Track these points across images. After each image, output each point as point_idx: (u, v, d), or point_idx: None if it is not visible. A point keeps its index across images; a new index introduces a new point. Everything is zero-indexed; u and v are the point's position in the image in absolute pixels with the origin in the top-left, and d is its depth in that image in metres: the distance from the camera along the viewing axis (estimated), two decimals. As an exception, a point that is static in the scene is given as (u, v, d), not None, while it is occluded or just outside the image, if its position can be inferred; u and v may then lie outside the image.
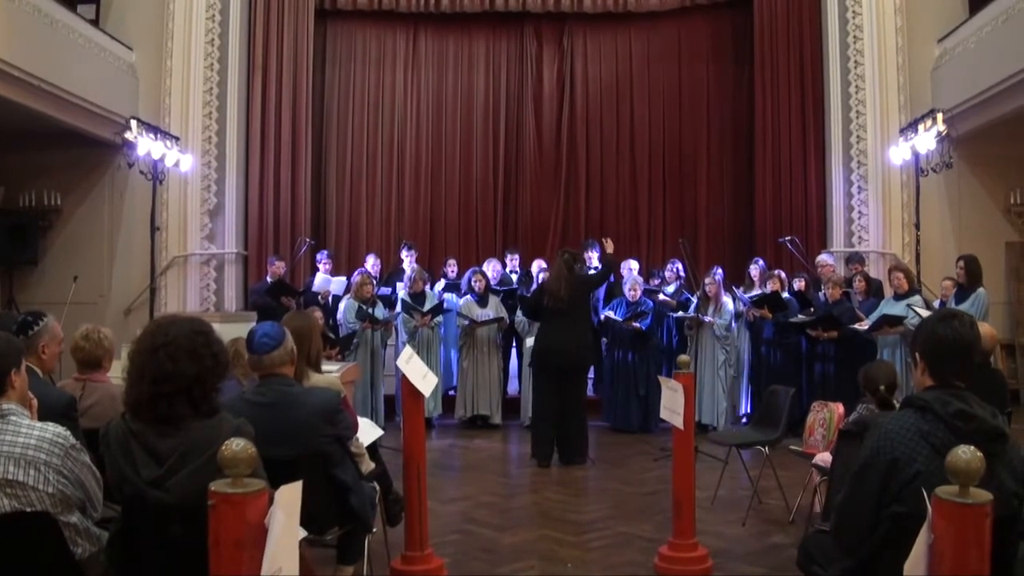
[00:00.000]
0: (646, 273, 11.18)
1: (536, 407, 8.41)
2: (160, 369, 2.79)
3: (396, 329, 10.14)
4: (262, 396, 3.72)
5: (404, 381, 4.81)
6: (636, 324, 9.58)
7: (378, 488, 4.51)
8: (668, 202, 12.85)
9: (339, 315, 9.94)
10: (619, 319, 9.65)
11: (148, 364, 2.82)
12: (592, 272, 9.66)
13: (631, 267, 10.63)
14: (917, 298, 8.73)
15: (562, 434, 8.07)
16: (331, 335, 8.98)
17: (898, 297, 8.82)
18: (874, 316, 8.81)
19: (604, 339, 10.25)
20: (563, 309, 8.03)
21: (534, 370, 8.57)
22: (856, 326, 8.85)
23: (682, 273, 10.45)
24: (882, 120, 11.52)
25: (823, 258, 10.52)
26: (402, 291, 10.14)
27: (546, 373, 8.19)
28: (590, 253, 10.83)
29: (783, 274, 9.92)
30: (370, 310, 9.42)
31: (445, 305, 10.06)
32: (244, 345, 4.50)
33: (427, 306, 9.81)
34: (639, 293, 9.77)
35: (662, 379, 5.43)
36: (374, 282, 10.00)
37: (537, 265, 10.60)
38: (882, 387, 4.92)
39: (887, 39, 11.56)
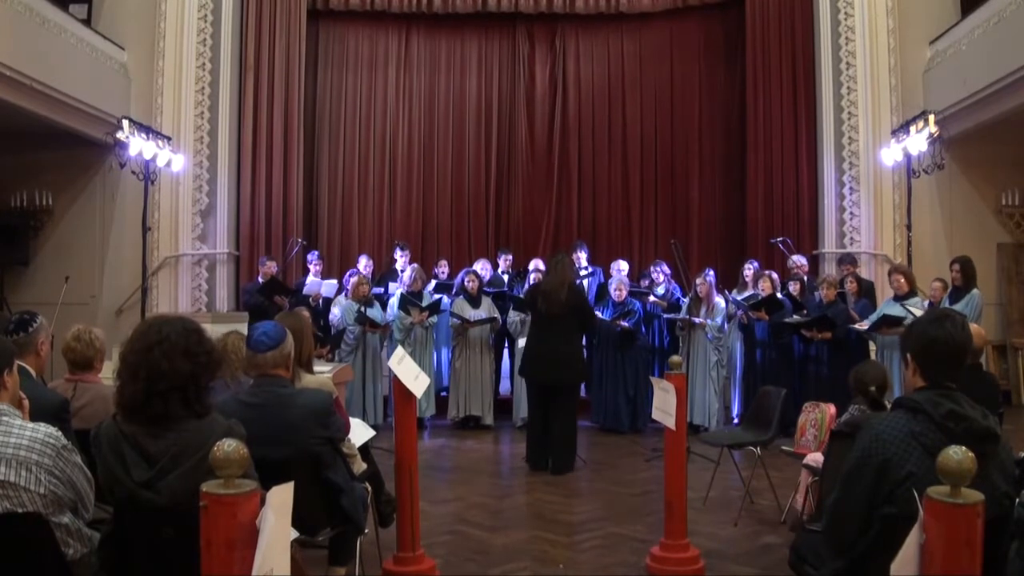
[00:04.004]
0: (636, 274, 11.18)
1: (529, 414, 8.27)
2: (155, 367, 2.78)
3: (391, 330, 10.14)
4: (254, 397, 3.72)
5: (396, 382, 4.81)
6: (623, 323, 9.59)
7: (370, 489, 4.51)
8: (660, 203, 12.86)
9: (331, 317, 9.93)
10: (606, 319, 9.66)
11: (142, 363, 2.80)
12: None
13: (620, 268, 10.63)
14: (916, 299, 8.74)
15: (551, 446, 7.87)
16: (319, 333, 8.96)
17: (897, 299, 8.82)
18: (873, 316, 8.84)
19: (593, 340, 10.25)
20: (559, 316, 7.83)
21: (524, 378, 8.42)
22: (855, 326, 8.86)
23: (666, 271, 10.47)
24: (874, 121, 11.55)
25: (796, 259, 10.52)
26: (400, 289, 10.14)
27: (535, 384, 8.07)
28: (579, 253, 10.83)
29: (774, 275, 9.92)
30: (364, 309, 9.41)
31: (440, 306, 10.03)
32: (235, 343, 4.49)
33: (424, 304, 9.83)
34: (624, 293, 9.77)
35: (654, 380, 5.42)
36: (369, 282, 10.01)
37: (533, 264, 10.52)
38: (872, 388, 4.94)
39: (879, 41, 11.59)
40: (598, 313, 9.71)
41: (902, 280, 8.91)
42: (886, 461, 2.75)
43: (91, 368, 4.33)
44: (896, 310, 8.59)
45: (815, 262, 11.47)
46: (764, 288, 9.59)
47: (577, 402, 8.50)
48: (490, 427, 9.96)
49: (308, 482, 3.66)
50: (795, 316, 9.25)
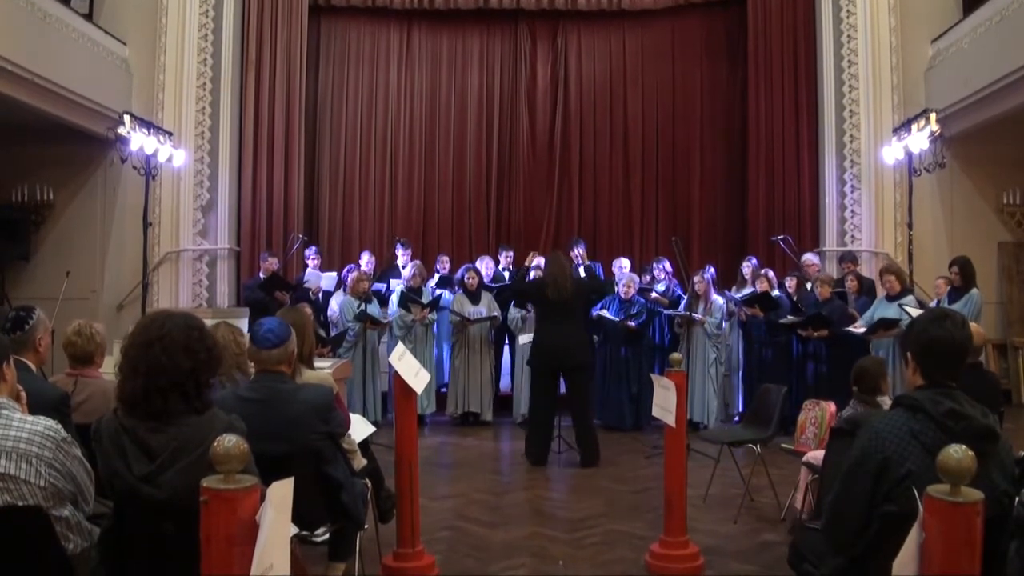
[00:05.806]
0: (638, 271, 11.18)
1: (533, 407, 8.24)
2: (155, 363, 2.77)
3: (391, 326, 10.13)
4: (255, 392, 3.73)
5: (396, 378, 4.80)
6: (630, 323, 9.58)
7: (369, 485, 4.51)
8: (661, 200, 12.85)
9: (330, 312, 9.93)
10: (613, 317, 9.65)
11: (143, 358, 2.80)
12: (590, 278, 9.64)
13: (622, 265, 10.62)
14: (909, 298, 8.71)
15: (579, 438, 7.94)
16: (321, 332, 8.95)
17: (891, 298, 8.81)
18: (866, 317, 8.82)
19: (596, 337, 10.24)
20: (567, 303, 7.89)
21: (533, 369, 8.31)
22: (851, 329, 8.84)
23: (668, 269, 10.46)
24: (875, 119, 11.54)
25: (808, 257, 10.54)
26: (400, 284, 10.14)
27: (547, 372, 8.01)
28: (577, 250, 10.83)
29: (771, 273, 9.91)
30: (363, 306, 9.40)
31: (440, 303, 10.03)
32: (225, 335, 4.42)
33: (424, 301, 9.82)
34: (633, 291, 9.76)
35: (654, 377, 5.43)
36: (369, 278, 10.00)
37: (536, 261, 10.48)
38: (855, 387, 5.00)
39: (881, 39, 11.58)
40: (604, 311, 9.73)
41: (894, 280, 8.88)
42: (886, 459, 2.75)
43: (92, 363, 4.33)
44: (890, 310, 8.58)
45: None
46: (762, 287, 9.59)
47: (591, 390, 8.53)
48: (490, 423, 9.97)
49: (308, 478, 3.66)
50: (789, 316, 9.25)
